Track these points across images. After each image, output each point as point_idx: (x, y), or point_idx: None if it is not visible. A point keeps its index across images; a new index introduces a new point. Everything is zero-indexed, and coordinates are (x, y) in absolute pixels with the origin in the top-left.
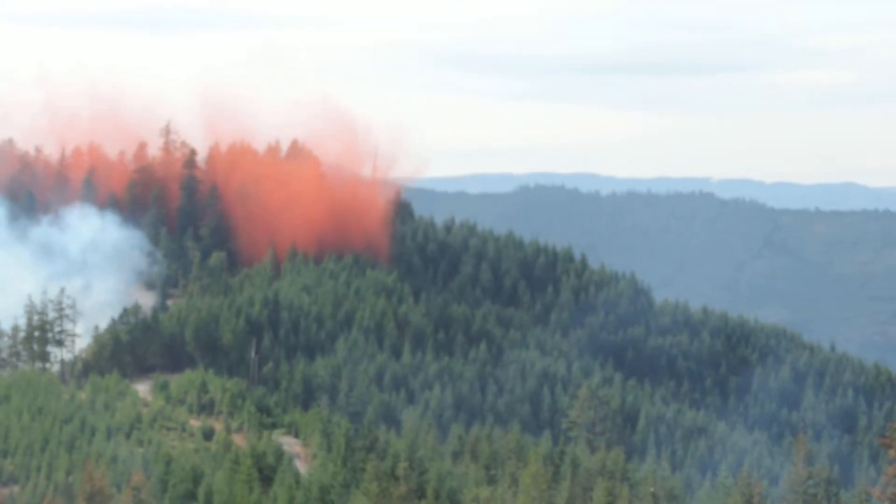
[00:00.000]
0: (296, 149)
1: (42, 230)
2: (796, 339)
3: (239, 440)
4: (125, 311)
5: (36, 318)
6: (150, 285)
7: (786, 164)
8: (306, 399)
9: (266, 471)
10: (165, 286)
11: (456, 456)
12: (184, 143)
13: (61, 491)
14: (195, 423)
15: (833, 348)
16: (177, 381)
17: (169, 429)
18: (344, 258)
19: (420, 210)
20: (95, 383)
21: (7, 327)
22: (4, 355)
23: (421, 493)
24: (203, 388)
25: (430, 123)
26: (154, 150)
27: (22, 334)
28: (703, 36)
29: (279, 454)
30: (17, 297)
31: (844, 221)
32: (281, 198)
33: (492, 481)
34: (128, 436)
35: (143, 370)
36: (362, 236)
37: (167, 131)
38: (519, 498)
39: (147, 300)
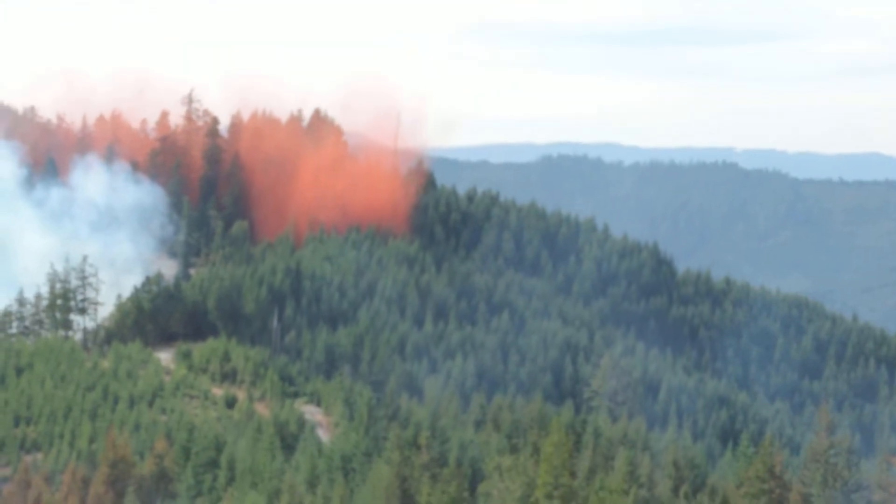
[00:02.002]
0: (318, 118)
1: (62, 193)
2: (818, 309)
3: (261, 409)
4: (148, 280)
5: (58, 285)
6: (172, 254)
7: (809, 134)
8: (328, 368)
9: (288, 439)
10: (188, 255)
11: (478, 425)
12: (206, 112)
13: (84, 458)
14: (218, 391)
15: (855, 318)
16: (199, 349)
17: (191, 397)
18: (366, 227)
19: (442, 179)
20: (118, 351)
21: (30, 295)
22: (27, 323)
23: (443, 462)
24: (225, 356)
25: (452, 93)
26: (176, 119)
27: (44, 302)
28: (730, 4)
29: (301, 423)
30: (38, 262)
31: (867, 192)
32: (303, 167)
33: (513, 450)
34: (150, 404)
35: (165, 338)
36: (385, 206)
37: (189, 100)
38: (541, 467)
39: (169, 269)
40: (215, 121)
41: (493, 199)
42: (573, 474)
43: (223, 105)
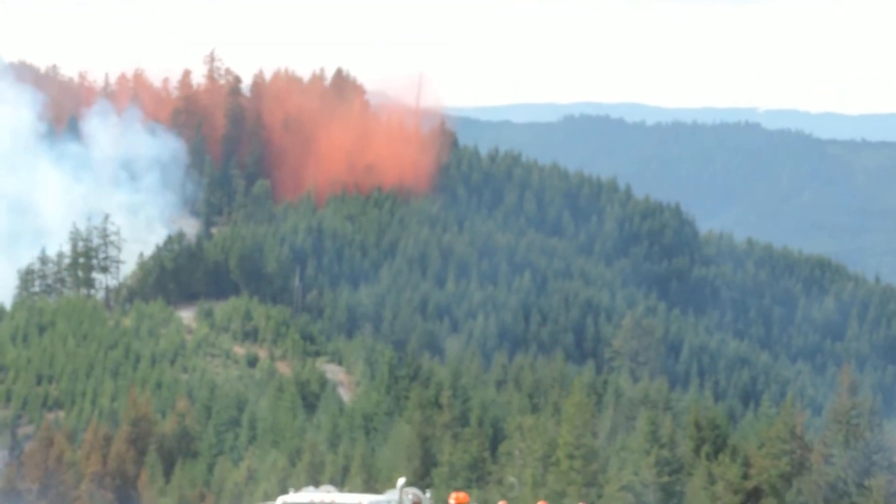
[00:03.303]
0: (340, 78)
1: (83, 150)
2: (841, 270)
3: (283, 368)
4: (170, 238)
5: (80, 244)
6: (194, 212)
7: (833, 94)
8: (350, 327)
9: (310, 398)
10: (209, 214)
11: (499, 384)
12: (228, 71)
13: (106, 416)
14: (239, 350)
15: (878, 280)
16: (221, 308)
17: (213, 356)
18: (388, 187)
19: (464, 139)
20: (140, 310)
21: (52, 253)
22: (49, 281)
23: (464, 422)
24: (247, 315)
25: (473, 51)
26: (198, 79)
27: (66, 260)
28: None
29: (323, 382)
30: (60, 219)
31: (891, 152)
32: (325, 127)
33: (535, 410)
34: (172, 362)
35: (187, 297)
36: (407, 165)
37: (211, 58)
38: (562, 426)
39: (191, 227)
40: (237, 80)
41: (515, 159)
42: (594, 434)
43: (245, 64)
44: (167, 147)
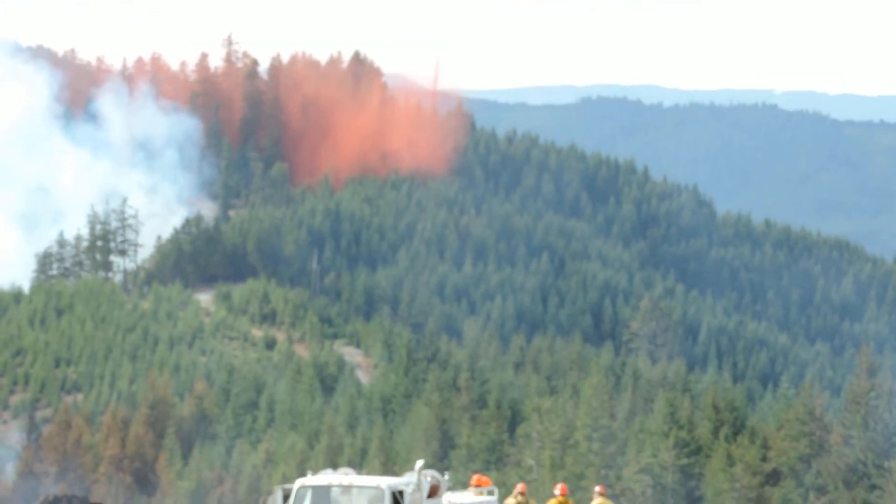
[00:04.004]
0: (357, 61)
1: (101, 133)
2: (859, 251)
3: (301, 350)
4: (188, 221)
5: (98, 227)
6: (212, 195)
7: (850, 75)
8: (368, 310)
9: (328, 381)
10: (227, 196)
11: (517, 366)
12: (245, 54)
13: (124, 399)
14: (257, 332)
15: None
16: (239, 290)
17: (231, 338)
18: (405, 169)
19: (482, 121)
20: (158, 293)
21: (70, 236)
22: (68, 265)
23: (482, 404)
24: (265, 298)
25: (490, 34)
26: (216, 62)
27: (85, 244)
28: None
29: (341, 364)
30: (78, 202)
31: None
32: (342, 109)
33: (553, 392)
34: (190, 345)
35: (205, 280)
36: (424, 147)
37: (229, 42)
38: (580, 408)
39: (209, 210)
40: (255, 63)
41: (533, 141)
42: (613, 416)
43: (262, 48)
44: (183, 126)
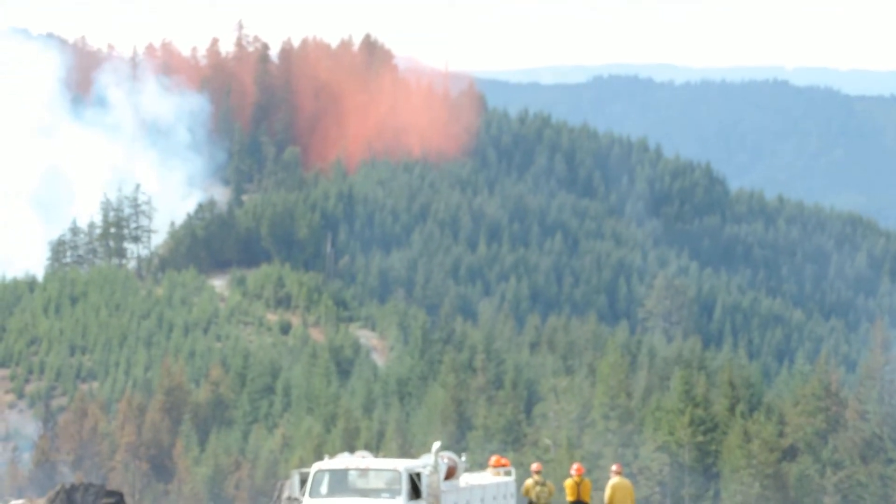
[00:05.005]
0: (368, 42)
1: (112, 118)
2: (872, 225)
3: (316, 334)
4: (200, 206)
5: (112, 214)
6: (224, 180)
7: (861, 50)
8: (382, 292)
9: (343, 364)
10: (240, 181)
11: (533, 346)
12: (256, 39)
13: (140, 386)
14: (272, 317)
15: None
16: (253, 275)
17: (246, 323)
18: (418, 151)
19: (494, 102)
20: (172, 279)
21: (83, 224)
22: (81, 252)
23: (498, 385)
24: (279, 282)
25: (500, 14)
26: (227, 47)
27: (98, 231)
28: None
29: (356, 347)
30: (91, 188)
31: None
32: (354, 92)
33: (569, 371)
34: (205, 331)
35: (219, 265)
36: (436, 129)
37: (240, 27)
38: (597, 387)
39: (222, 195)
40: (266, 47)
41: (545, 121)
42: (629, 395)
43: (273, 32)
44: (194, 111)
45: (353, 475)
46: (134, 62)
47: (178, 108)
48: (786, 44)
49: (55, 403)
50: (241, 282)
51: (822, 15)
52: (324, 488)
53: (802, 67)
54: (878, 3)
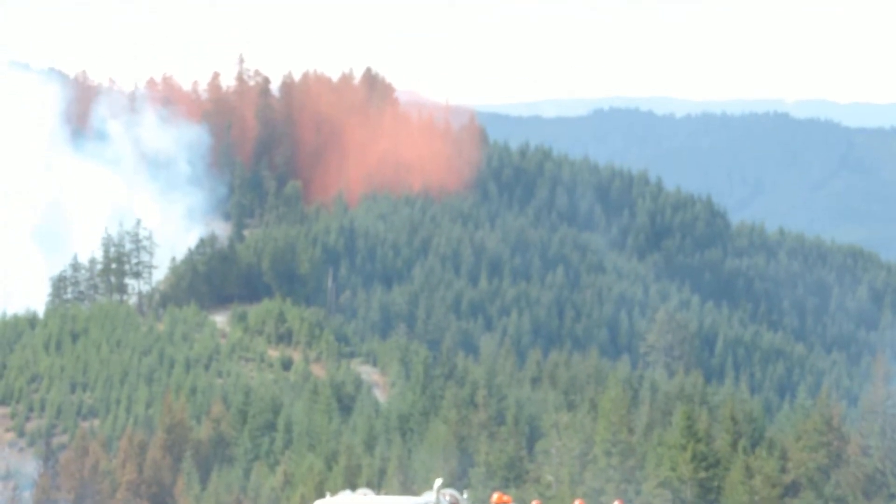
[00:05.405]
0: (369, 76)
1: (113, 151)
2: (874, 258)
3: (317, 370)
4: (202, 241)
5: (112, 249)
6: (225, 215)
7: (861, 83)
8: (384, 327)
9: (345, 400)
10: (241, 216)
11: (534, 382)
12: (257, 73)
13: (141, 423)
14: (274, 353)
15: None
16: (254, 311)
17: (247, 359)
18: (419, 185)
19: (494, 135)
20: (173, 314)
21: (84, 259)
22: (82, 288)
23: (500, 420)
24: (281, 317)
25: (501, 47)
26: (228, 81)
27: (99, 266)
28: None
29: (358, 383)
30: (91, 224)
31: None
32: (355, 126)
33: (571, 406)
34: (206, 367)
35: (220, 300)
36: (437, 162)
37: (240, 61)
38: (598, 423)
39: (223, 230)
40: (267, 81)
41: (546, 154)
42: (631, 430)
43: (274, 66)
44: (195, 144)
45: None
46: (134, 95)
47: (178, 140)
48: (786, 76)
49: (56, 441)
50: (242, 317)
51: (822, 47)
52: None
53: (802, 100)
54: (878, 36)
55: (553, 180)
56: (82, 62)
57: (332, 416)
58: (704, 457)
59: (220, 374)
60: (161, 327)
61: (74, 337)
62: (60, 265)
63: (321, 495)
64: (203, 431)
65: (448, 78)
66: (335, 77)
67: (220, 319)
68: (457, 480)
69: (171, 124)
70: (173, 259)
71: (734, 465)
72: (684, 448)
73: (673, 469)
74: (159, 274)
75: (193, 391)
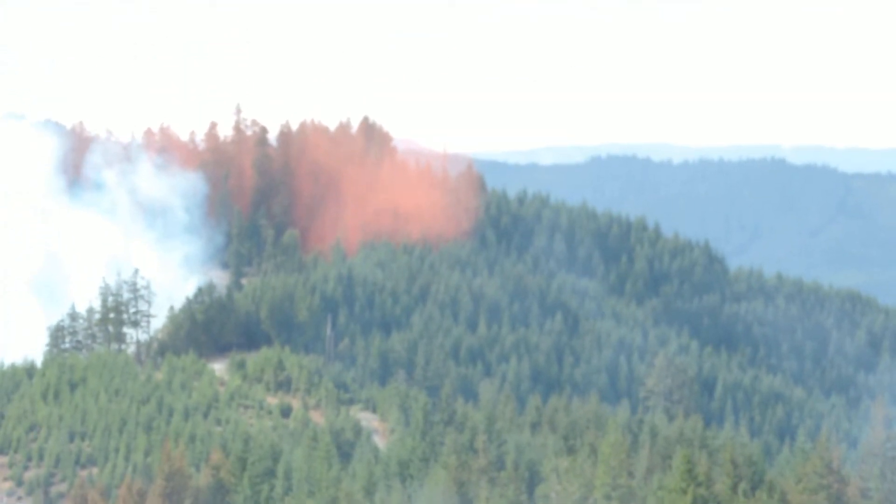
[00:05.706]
0: (367, 125)
1: (110, 201)
2: (871, 302)
3: (317, 417)
4: (200, 290)
5: (110, 299)
6: (223, 264)
7: (857, 129)
8: (383, 374)
9: (345, 447)
10: (239, 265)
11: (534, 427)
12: (254, 122)
13: (140, 472)
14: (272, 400)
15: None
16: (253, 359)
17: (246, 407)
18: (417, 233)
19: (492, 183)
20: (172, 363)
21: (82, 309)
22: (80, 337)
23: (500, 466)
24: (280, 365)
25: (499, 94)
26: (225, 130)
27: (97, 316)
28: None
29: (357, 430)
30: (89, 274)
31: None
32: (353, 174)
33: (570, 452)
34: (205, 415)
35: (219, 349)
36: (435, 210)
37: (238, 111)
38: (598, 467)
39: (221, 279)
40: (264, 130)
41: (544, 201)
42: (631, 474)
43: (271, 116)
44: (193, 194)
45: None
46: (130, 145)
47: (175, 189)
48: (783, 122)
49: (54, 490)
50: (240, 365)
51: (819, 94)
52: None
53: (799, 146)
54: (874, 83)
55: (551, 227)
56: (80, 113)
57: (331, 463)
58: (705, 500)
59: (218, 422)
60: (159, 376)
61: (73, 386)
62: (58, 315)
63: None
64: (202, 479)
65: (446, 126)
66: (332, 126)
67: (219, 368)
68: None
69: (168, 173)
70: (171, 308)
71: None
72: (685, 492)
73: None
74: (157, 323)
75: (192, 439)
